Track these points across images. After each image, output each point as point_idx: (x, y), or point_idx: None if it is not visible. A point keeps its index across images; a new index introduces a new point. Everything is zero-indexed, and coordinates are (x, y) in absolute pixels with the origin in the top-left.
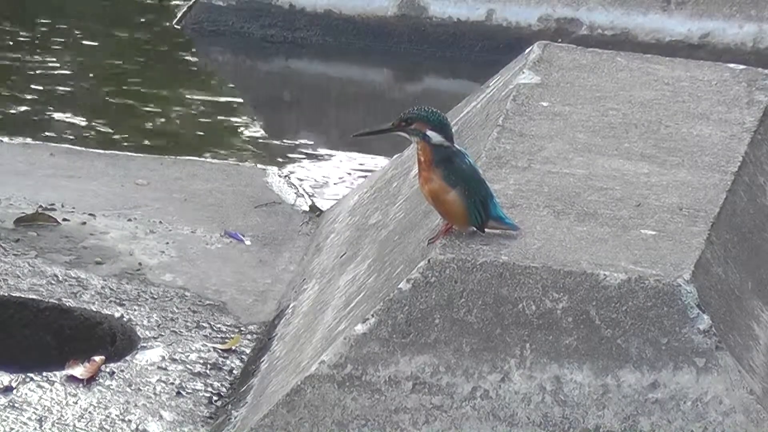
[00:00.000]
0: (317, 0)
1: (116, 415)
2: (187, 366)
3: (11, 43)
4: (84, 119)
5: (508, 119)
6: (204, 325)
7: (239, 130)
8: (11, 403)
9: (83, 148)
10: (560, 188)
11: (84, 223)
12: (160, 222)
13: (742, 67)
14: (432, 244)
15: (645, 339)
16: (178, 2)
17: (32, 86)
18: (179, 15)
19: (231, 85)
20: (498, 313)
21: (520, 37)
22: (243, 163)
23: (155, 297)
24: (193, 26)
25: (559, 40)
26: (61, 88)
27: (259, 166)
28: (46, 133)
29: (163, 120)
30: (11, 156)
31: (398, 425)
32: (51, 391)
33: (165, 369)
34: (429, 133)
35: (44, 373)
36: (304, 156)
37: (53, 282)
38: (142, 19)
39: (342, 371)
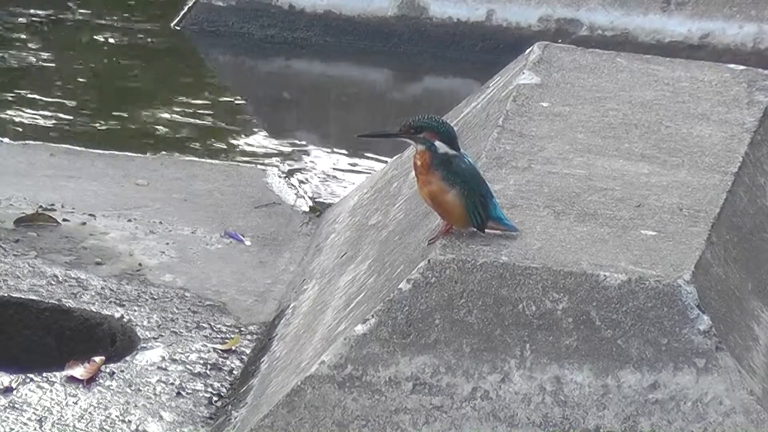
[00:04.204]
0: (317, 0)
1: (116, 416)
2: (187, 366)
3: (10, 42)
4: (84, 119)
5: (508, 120)
6: (204, 325)
7: (239, 130)
8: (11, 404)
9: (83, 148)
10: (560, 189)
11: (84, 223)
12: (160, 222)
13: (742, 67)
14: (432, 245)
15: (645, 339)
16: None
17: (32, 86)
18: (179, 15)
19: (231, 86)
20: (498, 314)
21: (520, 37)
22: (243, 163)
23: (155, 297)
24: (193, 26)
25: (560, 41)
26: (60, 87)
27: (259, 166)
28: (47, 133)
29: (163, 120)
30: (11, 156)
31: (398, 426)
32: (51, 391)
33: (165, 369)
34: (437, 143)
35: (44, 374)
36: (304, 156)
37: (53, 282)
38: (142, 19)
39: (342, 372)
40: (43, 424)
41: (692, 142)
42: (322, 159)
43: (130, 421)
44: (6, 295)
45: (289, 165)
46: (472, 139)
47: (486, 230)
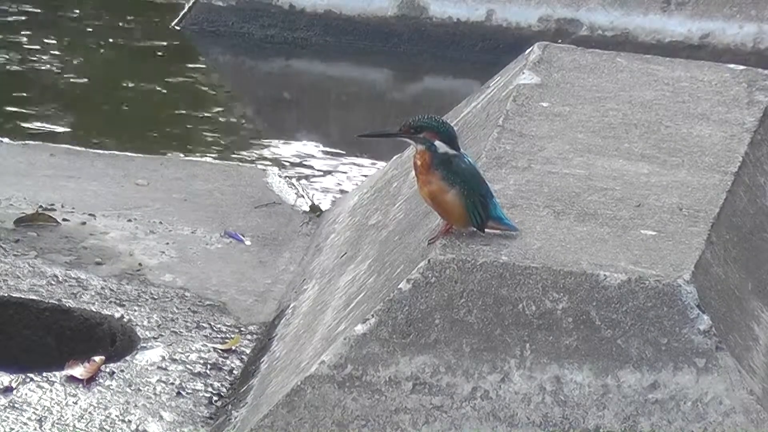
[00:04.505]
0: (317, 0)
1: (116, 416)
2: (187, 366)
3: (11, 42)
4: (83, 119)
5: (508, 119)
6: (204, 325)
7: (239, 130)
8: (11, 404)
9: (83, 148)
10: (560, 188)
11: (84, 223)
12: (160, 222)
13: (742, 67)
14: (432, 245)
15: (645, 339)
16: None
17: (32, 86)
18: (179, 15)
19: (231, 86)
20: (498, 314)
21: (520, 37)
22: (243, 163)
23: (155, 297)
24: (193, 26)
25: (559, 41)
26: (60, 88)
27: (259, 166)
28: (46, 133)
29: (163, 120)
30: (11, 156)
31: (398, 425)
32: (51, 391)
33: (165, 369)
34: (437, 143)
35: (44, 374)
36: (304, 156)
37: (53, 282)
38: (142, 19)
39: (342, 371)
40: (43, 423)
41: (692, 142)
42: (322, 159)
43: (130, 421)
44: (6, 295)
45: (289, 165)
46: (472, 139)
47: (486, 230)
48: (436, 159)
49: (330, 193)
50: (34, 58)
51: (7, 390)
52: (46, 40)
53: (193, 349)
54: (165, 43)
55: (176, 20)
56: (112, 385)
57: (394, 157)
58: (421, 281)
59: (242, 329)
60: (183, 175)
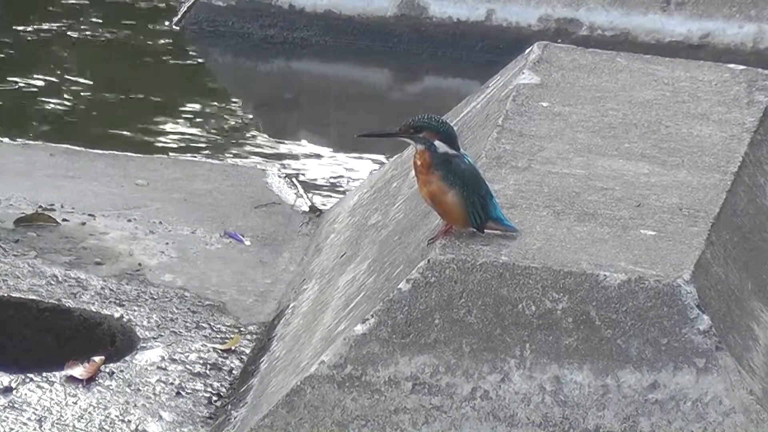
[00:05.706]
0: (317, 0)
1: (116, 416)
2: (187, 366)
3: (11, 42)
4: (83, 119)
5: (508, 119)
6: (204, 325)
7: (239, 131)
8: (11, 404)
9: (83, 148)
10: (560, 188)
11: (84, 223)
12: (160, 222)
13: (742, 67)
14: (432, 245)
15: (645, 339)
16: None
17: (32, 86)
18: (179, 15)
19: (231, 86)
20: (498, 314)
21: (520, 37)
22: (243, 163)
23: (155, 297)
24: (192, 26)
25: (559, 41)
26: (60, 88)
27: (259, 166)
28: (46, 133)
29: (162, 120)
30: (11, 156)
31: (398, 425)
32: (51, 391)
33: (164, 369)
34: (437, 143)
35: (44, 374)
36: (304, 156)
37: (53, 282)
38: (142, 19)
39: (342, 371)
40: (42, 424)
41: (692, 142)
42: (322, 159)
43: (129, 421)
44: (6, 295)
45: (289, 165)
46: (471, 139)
47: (486, 230)
48: (436, 159)
49: (330, 193)
50: (33, 58)
51: (7, 390)
52: (45, 39)
53: (193, 349)
54: (164, 43)
55: (176, 20)
56: (111, 385)
57: (394, 157)
58: (421, 281)
59: (242, 329)
60: (183, 175)
